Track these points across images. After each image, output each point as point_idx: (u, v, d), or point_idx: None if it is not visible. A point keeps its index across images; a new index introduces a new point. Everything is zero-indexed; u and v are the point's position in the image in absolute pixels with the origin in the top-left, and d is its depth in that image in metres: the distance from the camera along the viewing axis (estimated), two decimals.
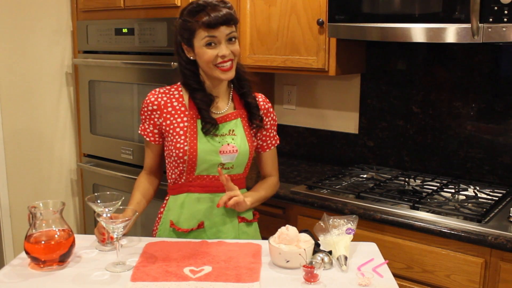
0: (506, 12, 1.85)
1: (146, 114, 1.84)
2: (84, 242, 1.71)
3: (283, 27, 2.54)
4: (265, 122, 1.92)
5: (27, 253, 1.53)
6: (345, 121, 2.83)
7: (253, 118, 1.87)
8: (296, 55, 2.52)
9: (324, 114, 2.91)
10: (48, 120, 3.10)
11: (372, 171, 2.59)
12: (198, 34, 1.71)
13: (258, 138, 1.93)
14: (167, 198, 1.89)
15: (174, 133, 1.79)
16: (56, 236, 1.54)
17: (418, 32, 2.08)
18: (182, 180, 1.83)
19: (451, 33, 2.00)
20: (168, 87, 1.87)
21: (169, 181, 1.87)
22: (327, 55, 2.43)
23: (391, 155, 2.68)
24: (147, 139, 1.86)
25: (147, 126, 1.85)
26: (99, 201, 1.62)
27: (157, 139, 1.85)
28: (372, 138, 2.73)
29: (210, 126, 1.77)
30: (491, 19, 1.88)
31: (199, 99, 1.79)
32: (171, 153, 1.80)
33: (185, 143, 1.77)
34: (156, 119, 1.83)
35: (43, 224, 1.54)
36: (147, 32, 2.66)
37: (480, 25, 1.90)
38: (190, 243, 1.70)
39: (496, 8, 1.87)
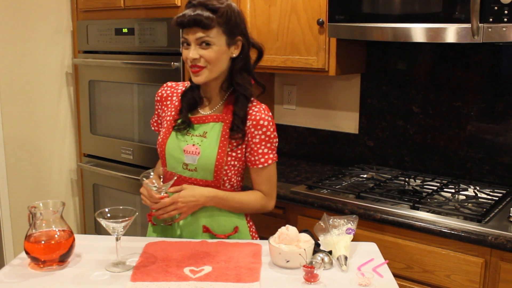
0: (506, 12, 1.85)
1: (155, 105, 1.93)
2: (84, 242, 1.70)
3: (283, 27, 2.54)
4: (253, 135, 1.74)
5: (27, 253, 1.53)
6: (345, 121, 2.83)
7: (233, 130, 1.73)
8: (296, 55, 2.52)
9: (324, 114, 2.91)
10: (48, 120, 3.10)
11: (372, 171, 2.59)
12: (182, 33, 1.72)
13: (246, 151, 1.77)
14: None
15: (162, 126, 1.87)
16: (56, 236, 1.54)
17: (418, 32, 2.08)
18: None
19: (451, 33, 2.00)
20: (179, 83, 1.92)
21: None
22: (327, 55, 2.43)
23: (391, 155, 2.68)
24: (153, 128, 1.96)
25: (154, 117, 1.95)
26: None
27: (160, 129, 1.90)
28: (372, 138, 2.73)
29: (184, 125, 1.78)
30: (491, 19, 1.88)
31: (186, 98, 1.81)
32: None
33: (161, 136, 1.83)
34: (159, 110, 1.91)
35: (43, 224, 1.54)
36: (147, 32, 2.66)
37: (480, 25, 1.90)
38: (190, 243, 1.70)
39: (496, 8, 1.87)
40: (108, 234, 1.55)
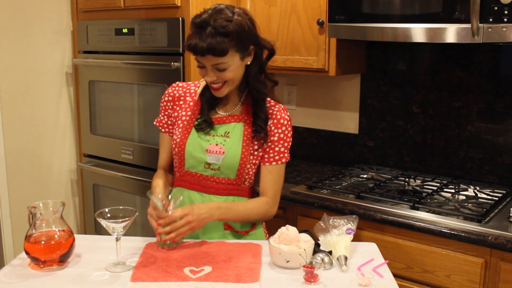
0: (506, 12, 1.85)
1: (163, 105, 1.89)
2: (84, 242, 1.70)
3: (283, 27, 2.54)
4: (272, 133, 1.78)
5: (27, 253, 1.53)
6: (345, 121, 2.83)
7: (256, 130, 1.76)
8: (296, 55, 2.52)
9: (324, 114, 2.91)
10: (48, 120, 3.10)
11: (372, 171, 2.59)
12: None
13: (262, 148, 1.81)
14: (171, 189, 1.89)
15: (176, 125, 1.83)
16: (56, 236, 1.54)
17: (418, 32, 2.08)
18: (177, 174, 1.84)
19: (451, 33, 2.00)
20: (189, 82, 1.90)
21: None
22: (327, 55, 2.43)
23: (391, 155, 2.68)
24: (162, 130, 1.89)
25: (162, 118, 1.90)
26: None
27: (170, 129, 1.88)
28: (372, 138, 2.73)
29: (205, 124, 1.78)
30: (491, 19, 1.88)
31: (205, 96, 1.80)
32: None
33: (179, 136, 1.80)
34: (169, 110, 1.87)
35: (43, 224, 1.54)
36: (147, 32, 2.66)
37: (480, 25, 1.90)
38: (190, 243, 1.70)
39: (496, 8, 1.87)
40: (108, 234, 1.55)
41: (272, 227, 1.79)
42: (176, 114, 1.85)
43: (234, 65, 1.67)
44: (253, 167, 1.81)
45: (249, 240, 1.79)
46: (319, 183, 2.35)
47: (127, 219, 1.51)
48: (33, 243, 1.52)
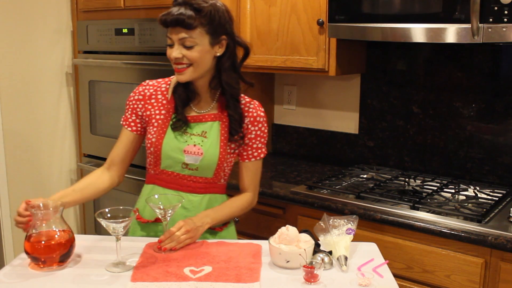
0: (506, 12, 1.85)
1: (131, 103, 1.84)
2: (84, 242, 1.70)
3: (283, 27, 2.54)
4: (249, 131, 1.81)
5: (27, 253, 1.53)
6: (345, 121, 2.83)
7: (232, 133, 1.77)
8: (296, 55, 2.52)
9: (324, 114, 2.91)
10: (48, 120, 3.10)
11: (372, 171, 2.59)
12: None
13: (241, 147, 1.83)
14: (143, 186, 1.90)
15: (150, 124, 1.80)
16: (56, 236, 1.54)
17: (418, 32, 2.08)
18: (152, 172, 1.84)
19: (451, 33, 2.00)
20: (159, 80, 1.87)
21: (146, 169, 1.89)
22: (327, 55, 2.43)
23: (391, 155, 2.68)
24: (127, 128, 1.84)
25: (128, 116, 1.85)
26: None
27: (136, 128, 1.83)
28: (372, 138, 2.73)
29: (181, 123, 1.76)
30: (491, 19, 1.88)
31: (178, 94, 1.78)
32: (145, 144, 1.82)
33: (154, 135, 1.78)
34: (138, 109, 1.83)
35: (43, 224, 1.54)
36: (147, 32, 2.66)
37: (480, 25, 1.90)
38: (190, 243, 1.70)
39: (496, 8, 1.87)
40: (108, 234, 1.55)
41: (272, 227, 1.79)
42: (148, 113, 1.81)
43: (202, 47, 1.67)
44: (229, 165, 1.83)
45: (221, 238, 1.81)
46: (319, 183, 2.35)
47: (127, 219, 1.51)
48: (33, 243, 1.52)
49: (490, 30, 1.89)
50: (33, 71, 2.99)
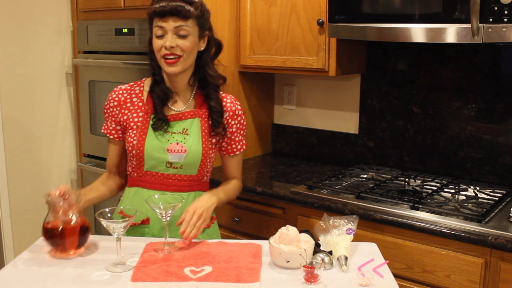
0: (506, 12, 1.85)
1: (108, 111, 1.86)
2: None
3: (283, 27, 2.54)
4: (230, 125, 1.86)
5: (46, 239, 1.59)
6: (345, 121, 2.83)
7: (214, 126, 1.82)
8: (296, 55, 2.52)
9: (324, 114, 2.91)
10: (48, 120, 3.10)
11: (372, 171, 2.59)
12: (153, 23, 1.73)
13: (223, 141, 1.88)
14: (125, 189, 1.91)
15: (129, 128, 1.81)
16: (72, 223, 1.59)
17: (418, 32, 2.08)
18: (135, 174, 1.84)
19: (451, 33, 2.00)
20: (132, 83, 1.89)
21: (128, 173, 1.90)
22: (327, 55, 2.43)
23: (391, 155, 2.68)
24: (110, 136, 1.88)
25: (109, 124, 1.87)
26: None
27: (120, 135, 1.86)
28: (372, 138, 2.73)
29: (161, 122, 1.77)
30: (491, 19, 1.88)
31: (156, 93, 1.80)
32: (126, 147, 1.84)
33: (135, 138, 1.79)
34: (116, 116, 1.85)
35: (61, 212, 1.59)
36: (147, 32, 2.66)
37: (480, 25, 1.90)
38: (191, 243, 1.70)
39: (496, 8, 1.87)
40: (109, 234, 1.55)
41: (272, 227, 1.79)
42: (125, 117, 1.82)
43: (193, 38, 1.72)
44: (211, 160, 1.87)
45: (208, 235, 1.85)
46: (319, 183, 2.35)
47: (127, 219, 1.52)
48: (50, 229, 1.57)
49: (490, 30, 1.89)
50: (33, 71, 2.99)
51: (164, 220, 1.62)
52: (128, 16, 2.77)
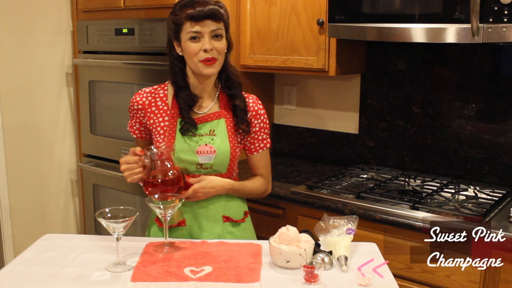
0: (506, 12, 1.85)
1: (132, 112, 1.90)
2: (84, 242, 1.71)
3: (283, 27, 2.54)
4: (253, 125, 1.89)
5: (148, 191, 1.67)
6: (345, 121, 2.83)
7: (239, 123, 1.84)
8: (296, 55, 2.52)
9: (324, 114, 2.91)
10: (48, 120, 3.10)
11: (372, 171, 2.59)
12: (184, 28, 1.75)
13: (246, 140, 1.90)
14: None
15: (156, 132, 1.84)
16: (170, 173, 1.68)
17: (418, 32, 2.08)
18: None
19: (451, 33, 2.00)
20: (155, 87, 1.91)
21: None
22: (327, 55, 2.43)
23: (391, 155, 2.68)
24: (133, 135, 1.94)
25: (133, 124, 1.92)
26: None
27: (143, 135, 1.92)
28: (372, 138, 2.73)
29: (189, 126, 1.79)
30: (491, 19, 1.89)
31: (182, 98, 1.82)
32: None
33: (163, 142, 1.80)
34: (141, 118, 1.88)
35: (158, 162, 1.67)
36: (147, 32, 2.66)
37: (480, 25, 1.90)
38: (191, 243, 1.70)
39: (496, 8, 1.87)
40: (109, 234, 1.55)
41: (272, 227, 1.78)
42: (151, 121, 1.85)
43: (224, 39, 1.78)
44: (237, 158, 1.89)
45: (243, 229, 1.90)
46: (319, 183, 2.35)
47: (127, 219, 1.51)
48: (151, 180, 1.67)
49: (490, 30, 1.89)
50: (33, 71, 2.99)
51: (164, 220, 1.62)
52: (128, 16, 2.77)
